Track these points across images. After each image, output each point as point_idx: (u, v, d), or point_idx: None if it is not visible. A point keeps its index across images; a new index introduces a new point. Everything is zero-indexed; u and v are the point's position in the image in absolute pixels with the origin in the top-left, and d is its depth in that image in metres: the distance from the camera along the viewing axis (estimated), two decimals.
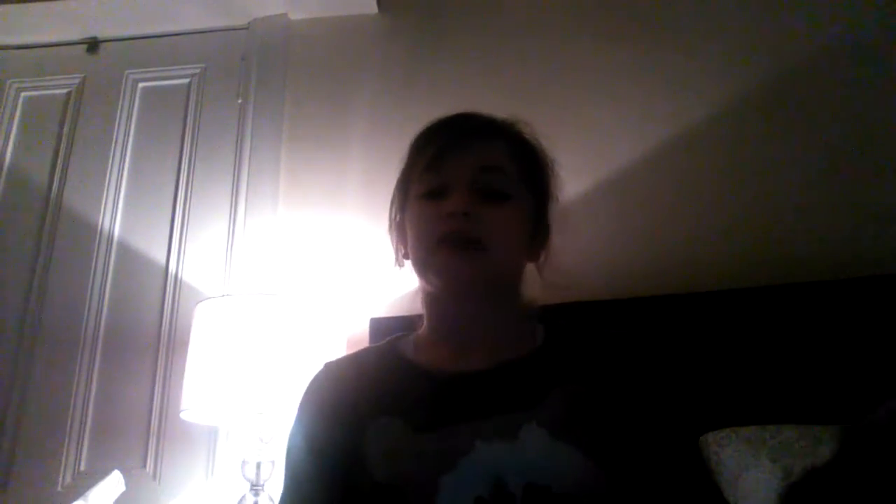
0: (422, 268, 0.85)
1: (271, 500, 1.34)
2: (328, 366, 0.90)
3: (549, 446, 0.72)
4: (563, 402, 0.76)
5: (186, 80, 1.97)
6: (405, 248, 0.90)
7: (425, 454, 0.73)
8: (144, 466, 1.58)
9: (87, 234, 1.82)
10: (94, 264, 1.79)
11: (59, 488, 1.58)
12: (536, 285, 0.91)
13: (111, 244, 1.81)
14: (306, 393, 0.88)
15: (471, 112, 0.91)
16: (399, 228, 0.92)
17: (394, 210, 0.93)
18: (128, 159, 1.90)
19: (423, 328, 0.90)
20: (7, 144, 1.96)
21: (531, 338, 0.86)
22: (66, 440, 1.62)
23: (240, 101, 1.90)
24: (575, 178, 1.61)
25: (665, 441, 0.77)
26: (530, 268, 0.92)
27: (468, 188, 0.82)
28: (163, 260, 1.77)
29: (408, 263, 0.90)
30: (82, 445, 1.62)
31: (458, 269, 0.80)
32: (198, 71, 1.98)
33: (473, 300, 0.84)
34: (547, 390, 0.77)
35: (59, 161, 1.92)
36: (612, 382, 0.78)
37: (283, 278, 1.68)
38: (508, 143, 0.89)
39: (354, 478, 0.75)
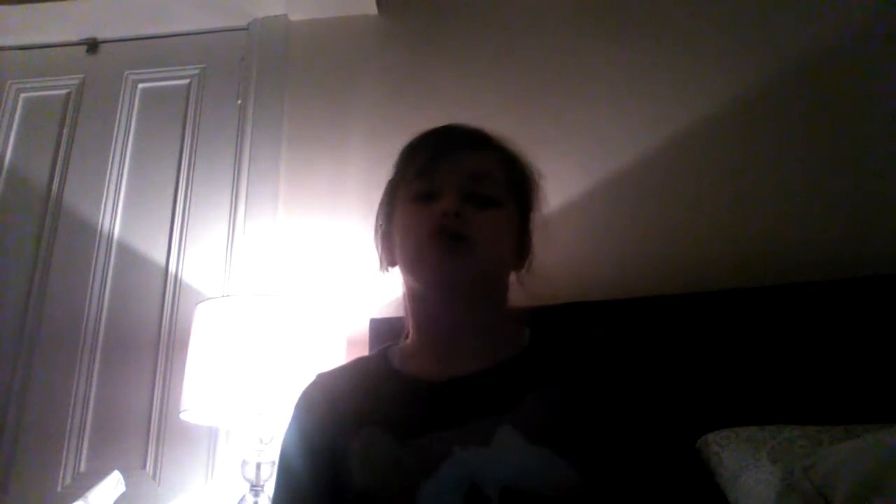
0: (411, 264, 0.86)
1: (271, 500, 1.34)
2: (320, 376, 0.91)
3: (524, 450, 0.72)
4: (541, 405, 0.76)
5: (186, 81, 1.98)
6: (390, 255, 0.91)
7: (405, 463, 0.74)
8: (144, 467, 1.58)
9: (87, 234, 1.82)
10: (94, 264, 1.79)
11: (59, 489, 1.58)
12: (519, 295, 0.91)
13: (111, 244, 1.81)
14: (299, 400, 0.90)
15: (460, 124, 0.93)
16: (385, 236, 0.93)
17: (381, 216, 0.94)
18: (128, 159, 1.91)
19: (409, 336, 0.91)
20: (7, 145, 1.96)
21: (516, 341, 0.87)
22: (66, 440, 1.62)
23: (239, 101, 1.90)
24: (574, 179, 1.63)
25: (657, 444, 0.76)
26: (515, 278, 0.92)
27: (459, 193, 0.83)
28: (163, 260, 1.77)
29: (392, 270, 0.91)
30: (82, 446, 1.62)
31: (448, 264, 0.81)
32: (197, 72, 1.98)
33: (460, 299, 0.84)
34: (524, 393, 0.77)
35: (59, 161, 1.92)
36: (595, 385, 0.78)
37: (284, 279, 1.68)
38: (497, 154, 0.91)
39: (340, 486, 0.77)
